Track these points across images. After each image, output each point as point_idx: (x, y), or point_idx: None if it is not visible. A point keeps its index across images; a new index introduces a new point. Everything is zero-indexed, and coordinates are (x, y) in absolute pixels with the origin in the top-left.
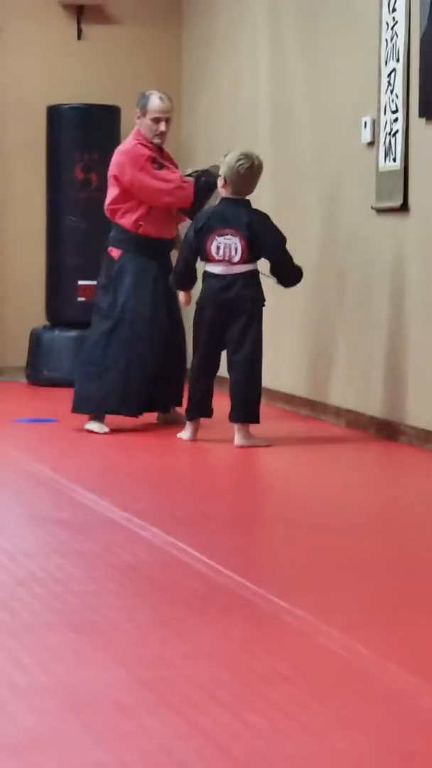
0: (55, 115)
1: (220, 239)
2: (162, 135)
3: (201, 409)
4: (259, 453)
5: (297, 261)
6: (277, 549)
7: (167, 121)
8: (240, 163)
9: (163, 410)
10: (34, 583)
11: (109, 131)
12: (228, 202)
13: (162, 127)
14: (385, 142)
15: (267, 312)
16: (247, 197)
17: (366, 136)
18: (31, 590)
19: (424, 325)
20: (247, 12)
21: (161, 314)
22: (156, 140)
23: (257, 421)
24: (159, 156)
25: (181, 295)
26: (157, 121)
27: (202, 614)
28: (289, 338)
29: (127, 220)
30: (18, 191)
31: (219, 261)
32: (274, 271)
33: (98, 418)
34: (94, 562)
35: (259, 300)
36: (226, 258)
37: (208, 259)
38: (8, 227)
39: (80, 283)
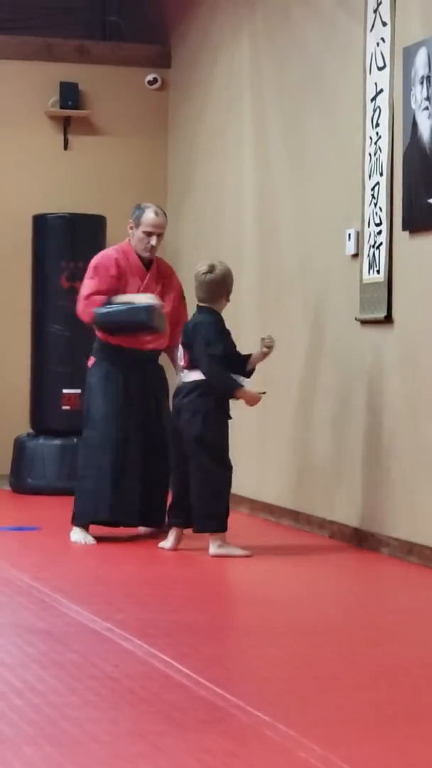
0: (41, 223)
1: (181, 346)
2: (152, 249)
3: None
4: (239, 563)
5: (282, 371)
6: (258, 660)
7: (159, 236)
8: (199, 270)
9: (148, 524)
10: (12, 695)
11: (94, 240)
12: (197, 310)
13: (153, 241)
14: (369, 255)
15: (253, 423)
16: (214, 306)
17: (350, 248)
18: (9, 702)
19: (408, 437)
20: (232, 123)
21: (134, 421)
22: (145, 254)
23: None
24: (139, 267)
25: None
26: (148, 234)
27: (182, 727)
28: (273, 448)
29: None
30: (3, 299)
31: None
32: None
33: (83, 528)
34: (74, 673)
35: (201, 411)
36: (183, 365)
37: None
38: None
39: (65, 391)
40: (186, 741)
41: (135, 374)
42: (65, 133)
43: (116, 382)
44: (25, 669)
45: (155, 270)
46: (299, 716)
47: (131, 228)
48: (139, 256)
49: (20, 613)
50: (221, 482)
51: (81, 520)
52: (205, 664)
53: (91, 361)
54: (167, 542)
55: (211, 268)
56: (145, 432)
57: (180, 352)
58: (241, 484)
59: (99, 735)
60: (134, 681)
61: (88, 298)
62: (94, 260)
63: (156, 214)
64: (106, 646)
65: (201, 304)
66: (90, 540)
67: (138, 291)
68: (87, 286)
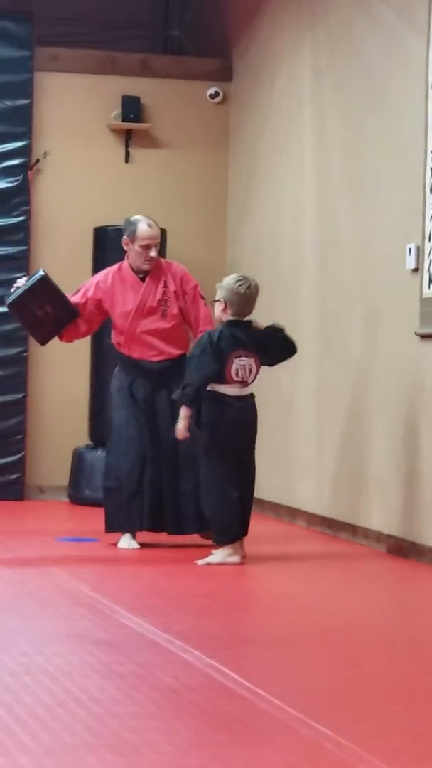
0: (101, 236)
1: (238, 361)
2: (152, 260)
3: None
4: (295, 575)
5: (340, 385)
6: (318, 672)
7: (156, 246)
8: (239, 284)
9: (176, 531)
10: (73, 704)
11: None
12: (236, 324)
13: (152, 253)
14: (429, 269)
15: (310, 436)
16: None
17: (410, 262)
18: (70, 710)
19: None
20: (293, 136)
21: (149, 428)
22: (145, 266)
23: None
24: (134, 281)
25: (188, 413)
26: (146, 248)
27: (242, 739)
28: (330, 462)
29: (112, 340)
30: None
31: (236, 382)
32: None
33: (129, 534)
34: (135, 684)
35: None
36: (243, 379)
37: (225, 381)
38: (53, 348)
39: None
40: (247, 753)
41: (147, 381)
42: (127, 146)
43: (130, 390)
44: (86, 679)
45: (154, 274)
46: (360, 729)
47: (126, 244)
48: (135, 271)
49: (81, 623)
50: None
51: (110, 528)
52: (264, 676)
53: (115, 370)
54: (236, 556)
55: (248, 282)
56: (163, 438)
57: (235, 365)
58: (299, 497)
59: (160, 745)
60: (195, 692)
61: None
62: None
63: (150, 225)
64: (166, 657)
65: (241, 319)
66: (134, 545)
67: (135, 303)
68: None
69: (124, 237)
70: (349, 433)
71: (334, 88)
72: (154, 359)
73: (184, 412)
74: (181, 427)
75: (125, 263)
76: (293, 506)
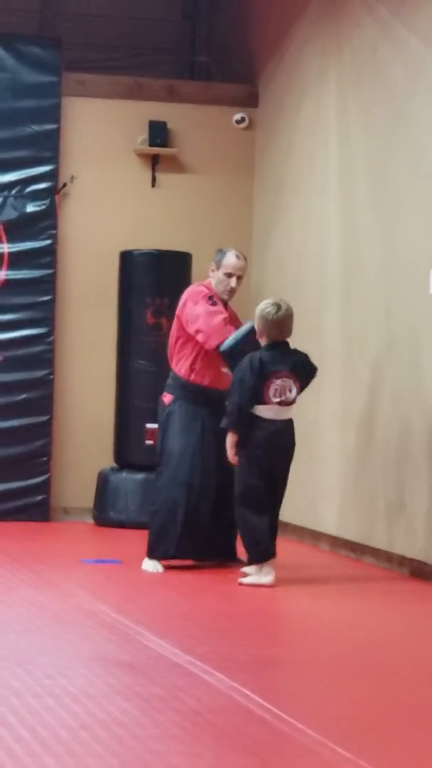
0: (127, 260)
1: (277, 382)
2: (231, 291)
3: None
4: (318, 598)
5: (366, 410)
6: (339, 696)
7: (239, 278)
8: (268, 309)
9: (223, 558)
10: (96, 726)
11: (180, 277)
12: (272, 347)
13: (233, 283)
14: None
15: (335, 460)
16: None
17: None
18: (94, 733)
19: None
20: (318, 163)
21: (208, 461)
22: (224, 296)
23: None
24: (223, 305)
25: (234, 440)
26: (229, 276)
27: (264, 762)
28: (355, 486)
29: (181, 367)
30: (89, 334)
31: (274, 404)
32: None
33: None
34: (158, 706)
35: None
36: (281, 400)
37: (263, 401)
38: (79, 369)
39: (148, 426)
40: None
41: (213, 413)
42: (153, 170)
43: (197, 421)
44: (108, 701)
45: (230, 311)
46: (383, 754)
47: (212, 270)
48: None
49: (103, 645)
50: None
51: (153, 554)
52: (287, 699)
53: (168, 397)
54: (269, 576)
55: (277, 307)
56: (219, 470)
57: (273, 386)
58: (322, 520)
59: None
60: (217, 715)
61: (224, 324)
62: (197, 289)
63: (237, 257)
64: (188, 680)
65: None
66: (159, 568)
67: None
68: (210, 310)
69: (212, 264)
70: (372, 457)
71: (359, 113)
72: (225, 386)
73: (231, 439)
74: (231, 454)
75: (209, 286)
76: (316, 529)
